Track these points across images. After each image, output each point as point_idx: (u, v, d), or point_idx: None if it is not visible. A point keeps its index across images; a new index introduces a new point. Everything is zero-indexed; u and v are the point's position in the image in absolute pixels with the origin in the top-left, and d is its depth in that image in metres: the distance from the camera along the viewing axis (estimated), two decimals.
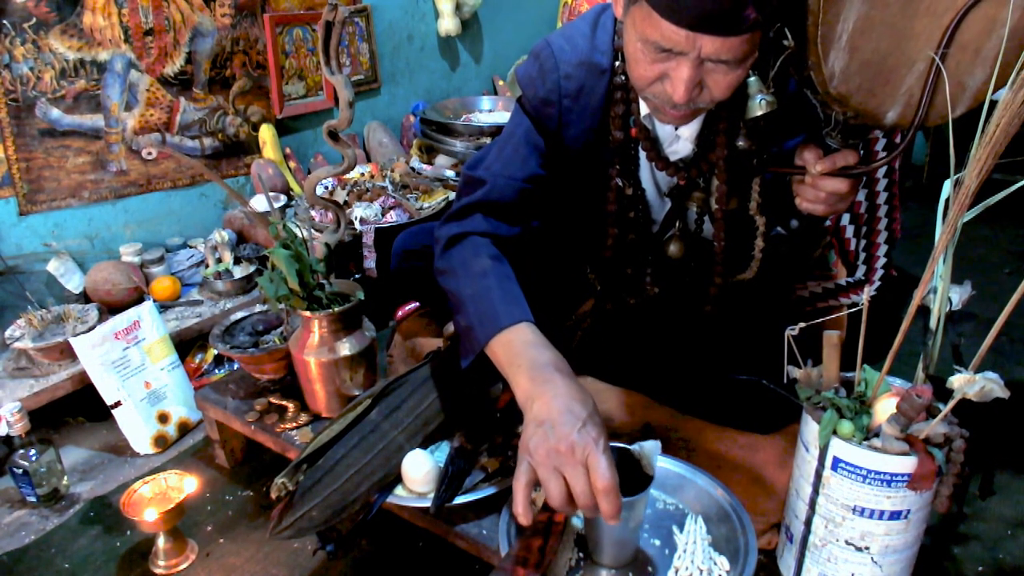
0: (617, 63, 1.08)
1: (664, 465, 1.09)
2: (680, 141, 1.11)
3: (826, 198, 0.97)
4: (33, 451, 1.36)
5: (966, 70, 0.84)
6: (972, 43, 0.82)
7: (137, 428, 1.51)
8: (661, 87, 0.93)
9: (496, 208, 1.16)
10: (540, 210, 1.21)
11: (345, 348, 1.25)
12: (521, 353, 0.97)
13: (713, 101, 0.93)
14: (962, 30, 0.81)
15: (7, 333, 1.57)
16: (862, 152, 1.10)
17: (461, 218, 1.17)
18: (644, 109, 1.09)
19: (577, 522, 1.02)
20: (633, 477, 0.97)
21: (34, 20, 1.69)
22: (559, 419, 0.86)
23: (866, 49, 0.84)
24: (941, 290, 1.09)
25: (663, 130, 1.11)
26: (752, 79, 0.96)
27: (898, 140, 1.50)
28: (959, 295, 1.11)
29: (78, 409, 1.65)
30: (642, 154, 1.16)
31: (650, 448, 0.95)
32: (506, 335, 0.99)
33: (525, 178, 1.15)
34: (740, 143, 1.06)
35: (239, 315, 1.48)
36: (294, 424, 1.29)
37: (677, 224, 1.20)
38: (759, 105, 0.96)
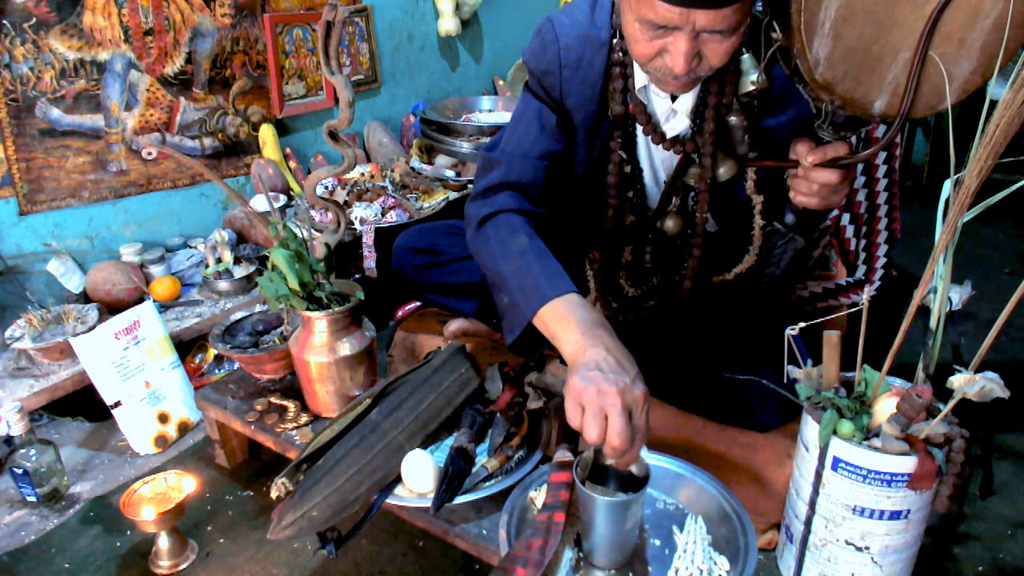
0: (615, 40, 1.12)
1: (664, 465, 1.09)
2: (677, 116, 1.14)
3: (819, 190, 0.99)
4: (33, 451, 1.36)
5: (951, 60, 0.83)
6: (956, 33, 0.82)
7: (137, 428, 1.51)
8: (662, 61, 0.97)
9: (518, 188, 1.18)
10: (561, 188, 1.24)
11: (345, 348, 1.25)
12: (571, 313, 1.00)
13: (712, 69, 0.98)
14: (945, 20, 0.81)
15: (7, 333, 1.57)
16: (860, 145, 1.10)
17: (487, 197, 1.19)
18: (639, 82, 1.12)
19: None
20: (627, 478, 0.97)
21: (34, 20, 1.69)
22: (613, 367, 0.90)
23: (849, 36, 0.84)
24: (941, 290, 1.09)
25: (659, 106, 1.14)
26: (746, 56, 1.04)
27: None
28: (959, 295, 1.12)
29: (78, 409, 1.65)
30: (641, 138, 1.18)
31: None
32: (554, 304, 1.02)
33: (539, 155, 1.19)
34: (732, 119, 1.09)
35: (239, 315, 1.48)
36: (294, 424, 1.29)
37: (674, 200, 1.22)
38: (752, 81, 1.03)
